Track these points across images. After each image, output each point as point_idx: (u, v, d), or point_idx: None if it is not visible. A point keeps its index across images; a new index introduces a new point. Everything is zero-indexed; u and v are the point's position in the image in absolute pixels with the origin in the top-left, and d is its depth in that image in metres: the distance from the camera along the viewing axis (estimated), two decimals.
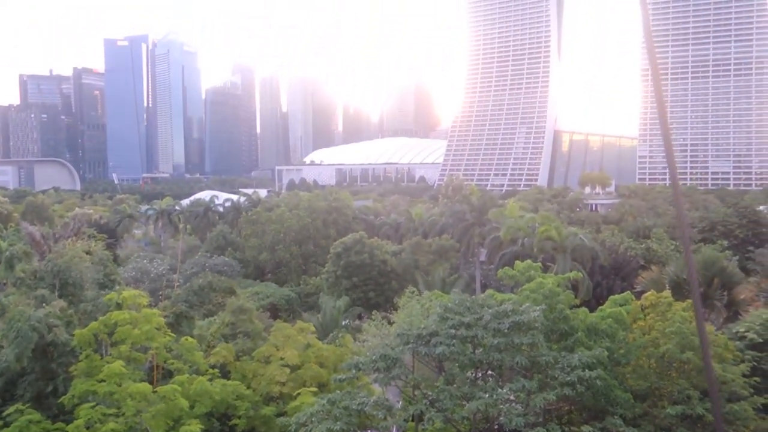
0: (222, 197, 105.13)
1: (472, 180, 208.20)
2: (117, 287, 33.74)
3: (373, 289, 52.10)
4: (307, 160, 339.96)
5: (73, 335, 21.82)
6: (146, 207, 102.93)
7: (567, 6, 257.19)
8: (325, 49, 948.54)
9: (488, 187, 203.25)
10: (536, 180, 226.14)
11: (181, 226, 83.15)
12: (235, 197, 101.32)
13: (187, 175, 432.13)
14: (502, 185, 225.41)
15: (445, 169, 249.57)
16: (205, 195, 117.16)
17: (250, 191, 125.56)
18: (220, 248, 68.07)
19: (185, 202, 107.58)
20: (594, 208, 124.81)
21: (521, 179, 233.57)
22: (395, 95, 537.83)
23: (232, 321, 28.39)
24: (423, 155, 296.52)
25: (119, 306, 23.12)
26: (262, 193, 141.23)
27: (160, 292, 43.74)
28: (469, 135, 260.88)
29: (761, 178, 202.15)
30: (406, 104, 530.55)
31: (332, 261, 53.87)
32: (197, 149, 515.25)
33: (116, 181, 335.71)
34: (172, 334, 23.27)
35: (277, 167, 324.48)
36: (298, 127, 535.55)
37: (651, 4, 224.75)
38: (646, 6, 4.86)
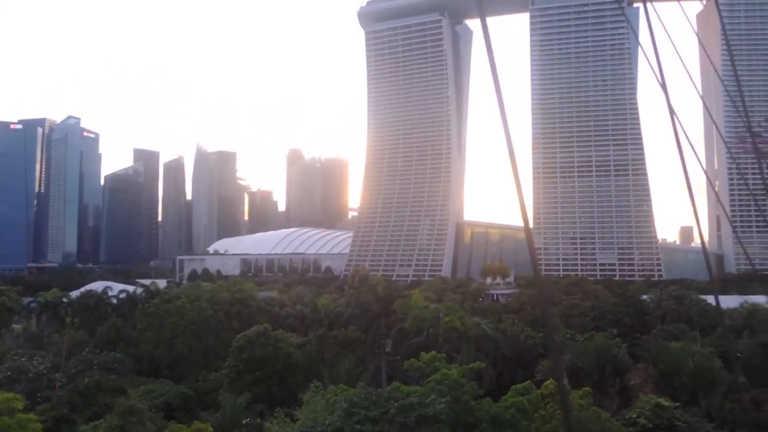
0: (117, 288, 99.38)
1: (378, 270, 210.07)
2: None
3: (276, 384, 50.10)
4: (211, 249, 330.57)
5: None
6: (29, 299, 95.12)
7: (467, 107, 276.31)
8: (232, 138, 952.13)
9: (394, 278, 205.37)
10: (440, 270, 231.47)
11: (68, 319, 77.23)
12: (131, 288, 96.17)
13: (79, 265, 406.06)
14: (408, 275, 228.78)
15: (352, 260, 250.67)
16: (97, 286, 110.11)
17: (148, 282, 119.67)
18: (111, 343, 63.55)
19: (75, 293, 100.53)
20: (495, 298, 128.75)
21: (426, 269, 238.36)
22: (303, 185, 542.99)
23: (121, 424, 26.23)
24: (330, 245, 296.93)
25: None
26: (162, 283, 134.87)
27: (39, 394, 39.91)
28: (375, 226, 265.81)
29: (643, 269, 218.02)
30: (313, 194, 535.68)
31: (234, 355, 51.67)
32: (92, 238, 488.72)
33: None
34: None
35: (178, 257, 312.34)
36: (202, 216, 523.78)
37: (540, 107, 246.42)
38: (506, 123, 5.56)
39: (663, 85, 9.92)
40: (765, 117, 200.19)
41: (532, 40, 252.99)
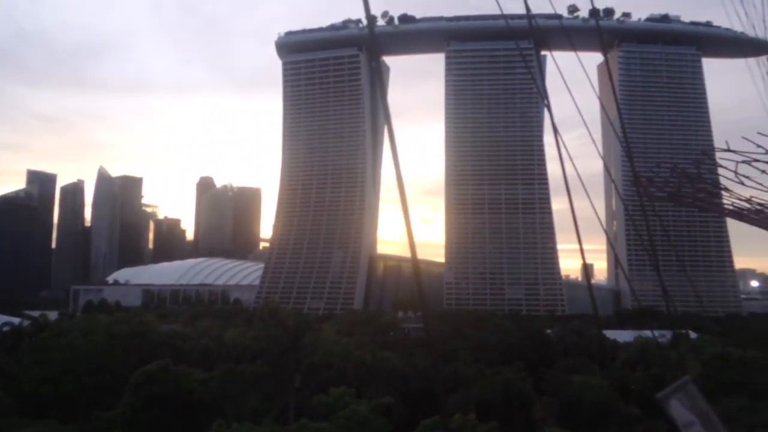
0: (0, 321, 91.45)
1: (289, 303, 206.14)
2: None
3: (177, 423, 47.34)
4: (110, 279, 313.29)
5: None
6: None
7: (382, 140, 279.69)
8: (139, 163, 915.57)
9: (305, 310, 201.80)
10: (352, 303, 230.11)
11: None
12: (16, 320, 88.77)
13: None
14: (319, 308, 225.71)
15: (262, 292, 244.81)
16: None
17: (37, 314, 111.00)
18: None
19: None
20: (407, 332, 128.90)
21: (338, 302, 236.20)
22: (213, 214, 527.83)
23: None
24: (239, 277, 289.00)
25: None
26: (52, 315, 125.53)
27: None
28: (287, 257, 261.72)
29: (548, 304, 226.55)
30: (224, 223, 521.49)
31: (131, 392, 48.45)
32: None
33: None
34: None
35: (73, 287, 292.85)
36: (102, 244, 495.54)
37: (453, 145, 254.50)
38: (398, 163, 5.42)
39: (554, 128, 10.21)
40: (656, 163, 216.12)
41: (446, 80, 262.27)
